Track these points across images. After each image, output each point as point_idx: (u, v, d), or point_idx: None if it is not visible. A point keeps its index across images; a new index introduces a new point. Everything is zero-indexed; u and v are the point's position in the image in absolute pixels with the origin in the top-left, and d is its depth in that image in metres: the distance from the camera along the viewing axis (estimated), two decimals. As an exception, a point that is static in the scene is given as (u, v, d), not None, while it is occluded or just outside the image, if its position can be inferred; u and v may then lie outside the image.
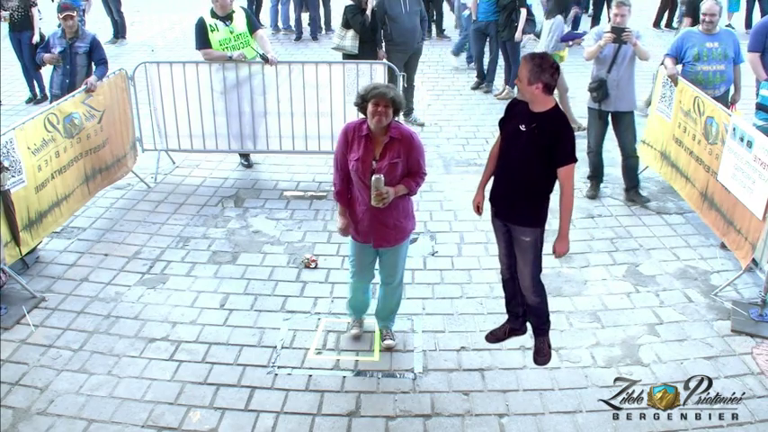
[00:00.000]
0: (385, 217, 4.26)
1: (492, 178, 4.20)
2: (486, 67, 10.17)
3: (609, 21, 6.84)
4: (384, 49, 8.28)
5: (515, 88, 9.46)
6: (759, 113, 5.90)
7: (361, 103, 4.16)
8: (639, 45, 6.37)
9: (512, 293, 4.41)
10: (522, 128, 3.88)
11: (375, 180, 4.03)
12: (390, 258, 4.46)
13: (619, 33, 6.33)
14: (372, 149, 4.14)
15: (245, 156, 7.66)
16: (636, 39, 6.35)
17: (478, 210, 4.36)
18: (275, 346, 4.75)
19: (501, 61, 9.96)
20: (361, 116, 4.28)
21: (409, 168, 4.22)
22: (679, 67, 6.54)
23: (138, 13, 15.24)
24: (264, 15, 13.55)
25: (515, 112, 4.01)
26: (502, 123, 4.11)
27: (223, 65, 7.02)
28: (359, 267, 4.50)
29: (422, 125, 8.63)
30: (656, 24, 13.50)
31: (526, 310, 4.37)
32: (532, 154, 3.84)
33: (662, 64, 6.77)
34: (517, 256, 4.17)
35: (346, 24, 8.04)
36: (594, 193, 6.86)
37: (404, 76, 7.63)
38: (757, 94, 6.18)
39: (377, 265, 4.57)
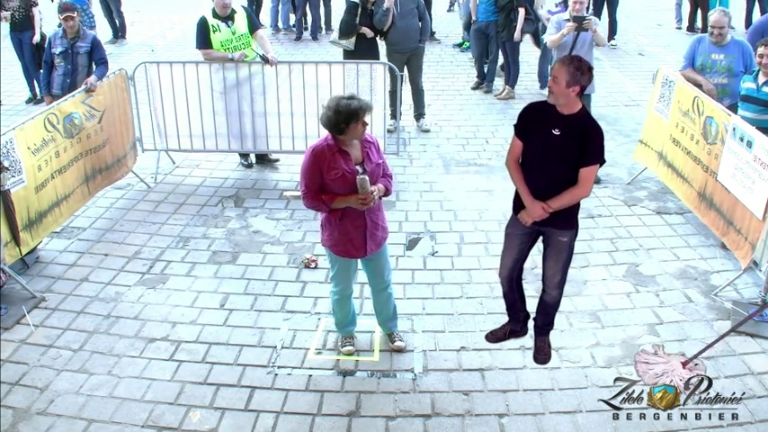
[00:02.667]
0: (378, 218, 4.31)
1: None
2: (487, 66, 10.15)
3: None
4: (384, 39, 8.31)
5: (515, 88, 9.59)
6: (745, 105, 5.77)
7: (340, 125, 3.97)
8: (598, 32, 6.89)
9: (512, 302, 4.43)
10: (557, 132, 3.83)
11: (360, 180, 4.02)
12: (378, 262, 4.47)
13: (580, 21, 6.76)
14: (351, 160, 4.13)
15: (245, 155, 7.66)
16: (595, 26, 6.81)
17: (543, 209, 3.98)
18: (275, 346, 4.75)
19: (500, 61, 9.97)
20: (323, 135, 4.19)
21: (382, 170, 4.31)
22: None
23: (138, 13, 15.24)
24: (264, 15, 13.54)
25: (542, 118, 3.90)
26: (524, 131, 3.98)
27: (223, 65, 7.01)
28: (345, 283, 4.50)
29: (427, 131, 8.60)
30: (690, 28, 13.16)
31: (539, 306, 4.38)
32: (569, 156, 3.82)
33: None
34: (550, 257, 4.15)
35: (346, 32, 8.06)
36: None
37: (402, 76, 7.64)
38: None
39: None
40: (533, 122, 3.95)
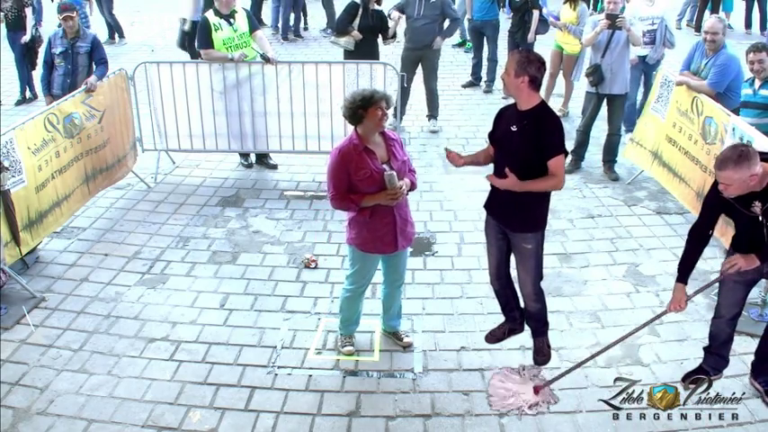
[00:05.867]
0: (406, 215, 4.35)
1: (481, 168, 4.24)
2: (487, 66, 10.11)
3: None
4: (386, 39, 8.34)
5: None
6: (745, 111, 5.75)
7: (357, 111, 4.04)
8: (633, 31, 6.79)
9: (505, 301, 4.44)
10: (513, 128, 3.88)
11: (389, 177, 4.05)
12: (401, 258, 4.50)
13: (614, 20, 6.71)
14: (377, 158, 4.14)
15: (245, 155, 7.66)
16: (629, 25, 6.73)
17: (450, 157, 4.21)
18: (275, 346, 4.75)
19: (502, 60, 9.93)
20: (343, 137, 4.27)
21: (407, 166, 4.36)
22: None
23: (138, 13, 15.22)
24: (265, 16, 13.52)
25: (504, 117, 4.03)
26: (492, 134, 4.12)
27: (223, 65, 7.01)
28: (364, 281, 4.49)
29: (435, 132, 8.61)
30: (698, 29, 13.11)
31: (525, 315, 4.38)
32: (527, 152, 3.83)
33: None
34: (518, 264, 4.16)
35: (341, 31, 8.07)
36: (572, 168, 7.30)
37: (404, 76, 7.65)
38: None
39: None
40: (497, 123, 4.08)
